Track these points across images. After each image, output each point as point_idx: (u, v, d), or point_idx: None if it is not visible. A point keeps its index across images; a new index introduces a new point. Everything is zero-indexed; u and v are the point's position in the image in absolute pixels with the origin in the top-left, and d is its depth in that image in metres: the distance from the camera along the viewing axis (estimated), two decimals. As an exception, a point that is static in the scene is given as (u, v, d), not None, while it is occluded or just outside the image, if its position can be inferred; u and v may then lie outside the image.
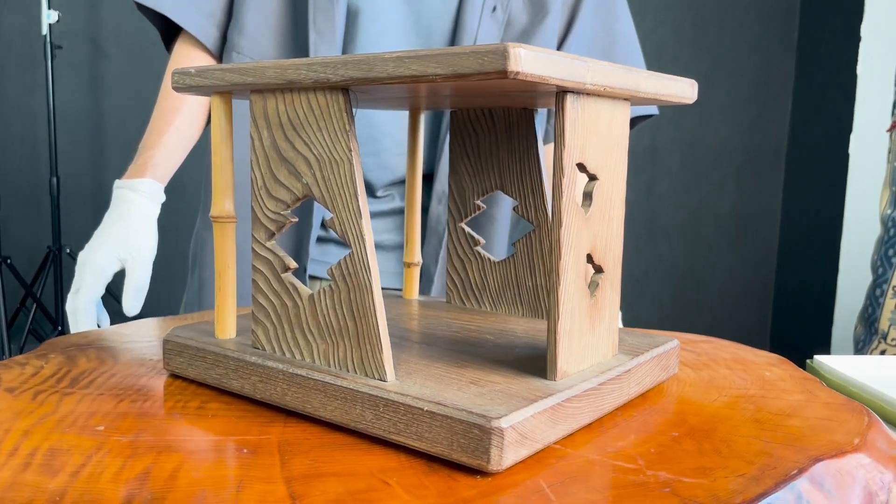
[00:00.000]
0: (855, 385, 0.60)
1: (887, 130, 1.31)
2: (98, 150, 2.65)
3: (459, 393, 0.38)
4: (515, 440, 0.35)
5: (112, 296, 0.78)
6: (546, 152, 0.95)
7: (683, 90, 0.46)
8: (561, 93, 0.38)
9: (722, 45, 2.90)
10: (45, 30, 2.31)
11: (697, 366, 0.55)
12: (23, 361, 0.52)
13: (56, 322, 2.42)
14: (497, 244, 0.90)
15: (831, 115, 2.67)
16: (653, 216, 2.97)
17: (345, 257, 0.40)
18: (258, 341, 0.45)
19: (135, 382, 0.48)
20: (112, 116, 2.64)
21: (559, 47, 0.91)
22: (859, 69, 2.48)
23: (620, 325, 0.58)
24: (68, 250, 2.41)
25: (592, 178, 0.42)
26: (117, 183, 0.82)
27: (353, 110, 0.41)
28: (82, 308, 0.73)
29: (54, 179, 2.38)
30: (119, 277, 0.79)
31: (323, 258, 0.88)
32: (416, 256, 0.62)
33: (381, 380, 0.39)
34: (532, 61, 0.33)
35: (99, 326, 0.75)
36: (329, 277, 0.42)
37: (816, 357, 0.65)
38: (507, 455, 0.35)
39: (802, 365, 0.64)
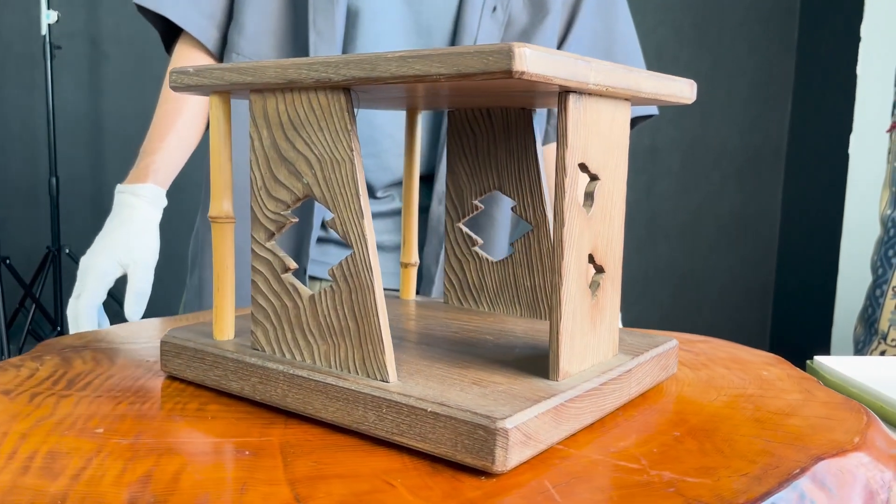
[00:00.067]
0: (855, 386, 0.60)
1: (887, 131, 1.32)
2: (97, 150, 2.64)
3: (462, 394, 0.38)
4: (520, 441, 0.35)
5: (112, 297, 0.78)
6: (545, 153, 0.95)
7: (683, 90, 0.46)
8: (563, 93, 0.38)
9: (722, 46, 2.90)
10: (44, 30, 2.30)
11: (695, 365, 0.55)
12: (17, 364, 0.51)
13: (55, 322, 2.41)
14: (497, 244, 0.90)
15: (831, 115, 2.67)
16: (653, 216, 2.97)
17: (346, 258, 0.40)
18: (257, 342, 0.45)
19: (132, 384, 0.48)
20: (111, 117, 2.63)
21: (559, 47, 0.91)
22: (859, 69, 2.49)
23: (620, 326, 0.58)
24: (67, 251, 2.41)
25: (594, 178, 0.42)
26: (119, 188, 0.82)
27: (355, 110, 0.40)
28: (84, 313, 0.73)
29: (53, 180, 2.37)
30: (121, 280, 0.79)
31: (323, 259, 0.87)
32: (413, 257, 0.62)
33: (383, 381, 0.39)
34: (537, 61, 0.33)
35: None
36: (329, 278, 0.41)
37: (817, 358, 0.66)
38: (511, 456, 0.34)
39: (802, 365, 0.64)
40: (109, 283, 0.76)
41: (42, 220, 2.56)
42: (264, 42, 0.85)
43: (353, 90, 0.40)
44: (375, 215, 0.90)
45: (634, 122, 0.96)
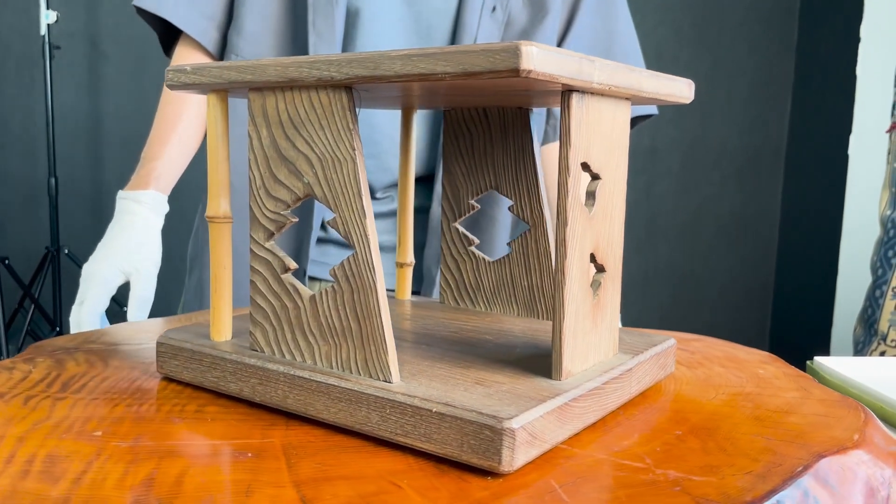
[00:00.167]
0: (855, 386, 0.60)
1: (887, 131, 1.33)
2: (97, 150, 2.62)
3: (466, 394, 0.37)
4: (526, 441, 0.35)
5: (114, 300, 0.78)
6: (544, 153, 0.95)
7: (681, 90, 0.46)
8: (566, 92, 0.38)
9: (721, 46, 2.91)
10: (43, 30, 2.29)
11: (692, 364, 0.55)
12: (9, 366, 0.51)
13: (54, 323, 2.39)
14: (498, 244, 0.90)
15: (831, 115, 2.68)
16: (652, 217, 2.97)
17: (348, 258, 0.40)
18: (256, 343, 0.45)
19: (128, 386, 0.47)
20: (111, 117, 2.61)
21: (558, 46, 0.91)
22: (859, 70, 2.49)
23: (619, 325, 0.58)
24: (67, 251, 2.39)
25: (595, 177, 0.42)
26: (121, 194, 0.82)
27: (357, 109, 0.40)
28: (86, 320, 0.73)
29: (53, 180, 2.36)
30: (123, 284, 0.79)
31: (322, 259, 0.87)
32: (409, 257, 0.62)
33: (386, 381, 0.39)
34: (544, 60, 0.33)
35: None
36: (329, 279, 0.41)
37: (816, 358, 0.66)
38: (518, 456, 0.34)
39: (802, 366, 0.65)
40: (112, 291, 0.77)
41: (41, 220, 2.55)
42: (263, 43, 0.84)
43: (354, 89, 0.40)
44: (375, 216, 0.89)
45: (634, 121, 0.96)
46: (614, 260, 0.45)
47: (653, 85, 0.43)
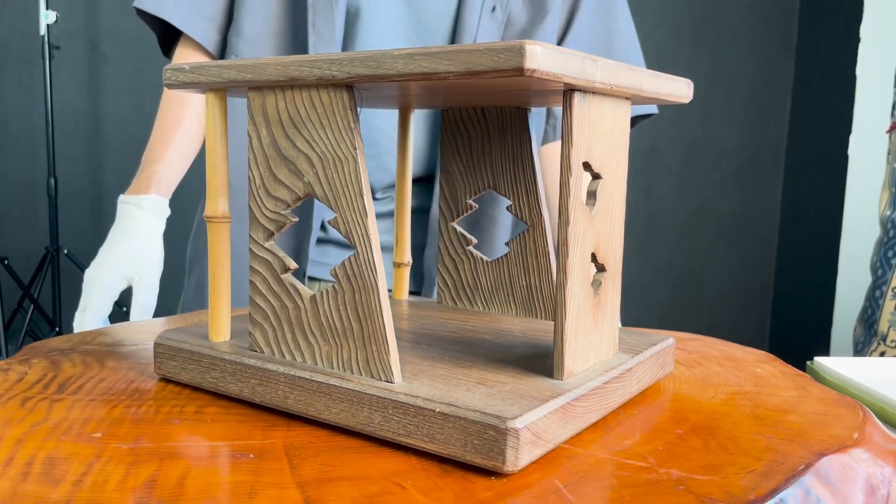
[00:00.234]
0: (855, 387, 0.61)
1: (887, 132, 1.33)
2: (96, 150, 2.61)
3: (469, 394, 0.37)
4: (530, 440, 0.35)
5: (115, 303, 0.78)
6: (543, 152, 0.95)
7: (681, 90, 0.46)
8: (568, 91, 0.38)
9: (721, 46, 2.91)
10: (42, 30, 2.28)
11: (689, 363, 0.55)
12: (5, 367, 0.50)
13: (53, 323, 2.39)
14: (498, 244, 0.89)
15: (831, 116, 2.68)
16: (652, 217, 2.97)
17: (349, 257, 0.40)
18: (256, 344, 0.44)
19: (126, 387, 0.47)
20: (110, 117, 2.60)
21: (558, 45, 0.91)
22: (858, 70, 2.49)
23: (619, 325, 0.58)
24: (66, 251, 2.39)
25: (596, 176, 0.42)
26: (121, 198, 0.82)
27: (358, 108, 0.40)
28: (90, 326, 0.74)
29: (52, 180, 2.35)
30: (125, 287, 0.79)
31: (322, 259, 0.87)
32: (406, 257, 0.62)
33: (388, 381, 0.39)
34: (547, 59, 0.33)
35: None
36: (329, 279, 0.41)
37: (817, 359, 0.66)
38: (522, 456, 0.34)
39: (802, 366, 0.65)
40: (114, 296, 0.77)
41: (41, 220, 2.54)
42: (263, 44, 0.84)
43: (356, 88, 0.40)
44: (375, 216, 0.89)
45: (635, 120, 0.96)
46: (615, 259, 0.45)
47: (653, 84, 0.43)
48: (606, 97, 0.41)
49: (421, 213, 0.89)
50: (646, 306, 2.99)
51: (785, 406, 0.46)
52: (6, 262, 2.35)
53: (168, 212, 0.83)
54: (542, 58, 0.33)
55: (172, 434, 0.39)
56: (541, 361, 0.44)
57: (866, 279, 1.36)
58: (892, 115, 1.36)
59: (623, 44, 0.93)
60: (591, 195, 0.42)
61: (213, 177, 0.46)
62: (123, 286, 0.78)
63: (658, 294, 3.00)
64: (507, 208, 0.56)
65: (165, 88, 0.88)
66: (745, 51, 2.92)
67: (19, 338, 2.29)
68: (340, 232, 0.40)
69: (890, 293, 1.25)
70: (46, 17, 2.26)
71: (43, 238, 2.48)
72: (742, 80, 2.94)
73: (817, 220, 2.76)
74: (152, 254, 0.79)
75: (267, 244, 0.43)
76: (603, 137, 0.42)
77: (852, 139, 2.53)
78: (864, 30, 2.48)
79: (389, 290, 0.81)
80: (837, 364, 0.65)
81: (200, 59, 0.89)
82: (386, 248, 0.90)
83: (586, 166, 0.41)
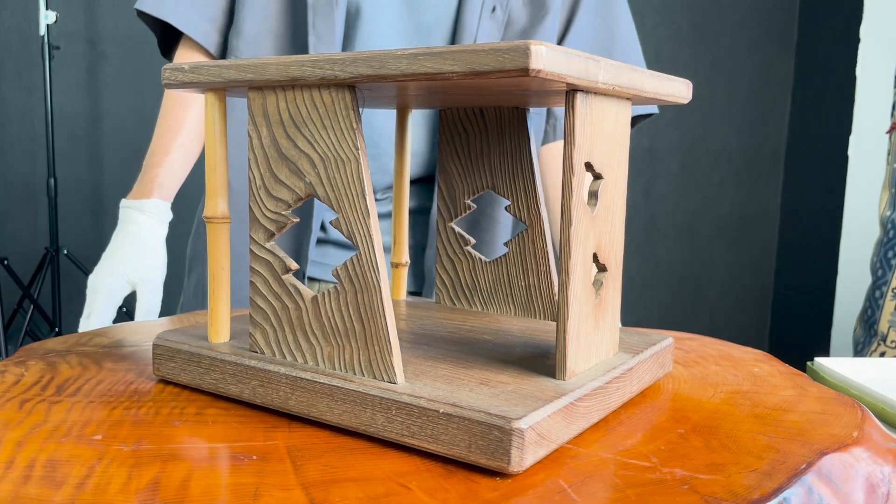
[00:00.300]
0: (855, 387, 0.61)
1: (887, 132, 1.33)
2: (96, 150, 2.59)
3: (472, 394, 0.37)
4: (534, 441, 0.35)
5: (120, 307, 0.78)
6: (543, 152, 0.95)
7: (680, 90, 0.47)
8: (571, 91, 0.38)
9: (721, 47, 2.90)
10: (42, 30, 2.27)
11: (687, 363, 0.56)
12: (1, 369, 0.50)
13: (53, 324, 2.38)
14: (499, 244, 0.89)
15: (830, 116, 2.67)
16: (652, 218, 2.97)
17: (351, 258, 0.40)
18: (256, 345, 0.44)
19: (124, 389, 0.46)
20: (110, 117, 2.59)
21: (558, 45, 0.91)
22: (858, 71, 2.49)
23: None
24: (66, 251, 2.38)
25: (598, 177, 0.42)
26: (124, 202, 0.82)
27: (360, 109, 0.40)
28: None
29: (52, 180, 2.34)
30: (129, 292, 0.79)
31: (322, 260, 0.86)
32: (404, 257, 0.61)
33: (390, 382, 0.39)
34: (552, 59, 0.33)
35: None
36: (330, 279, 0.41)
37: (817, 359, 0.66)
38: (527, 456, 0.34)
39: (802, 367, 0.65)
40: (118, 302, 0.77)
41: (40, 220, 2.53)
42: (263, 45, 0.84)
43: (358, 88, 0.40)
44: None
45: (635, 120, 0.96)
46: (615, 259, 0.45)
47: (654, 85, 0.43)
48: (608, 97, 0.41)
49: (421, 214, 0.89)
50: (646, 307, 2.99)
51: (784, 405, 0.46)
52: (6, 262, 2.34)
53: (170, 216, 0.83)
54: (548, 58, 0.33)
55: (174, 436, 0.39)
56: (542, 361, 0.44)
57: (866, 279, 1.36)
58: (893, 115, 1.37)
59: (623, 44, 0.93)
60: (593, 195, 0.42)
61: (213, 177, 0.46)
62: (127, 291, 0.78)
63: (658, 295, 3.01)
64: (506, 208, 0.56)
65: (166, 92, 0.88)
66: (745, 51, 2.92)
67: (19, 338, 2.28)
68: (343, 233, 0.40)
69: (890, 293, 1.25)
70: (46, 17, 2.25)
71: (43, 238, 2.47)
72: (742, 80, 2.94)
73: (817, 220, 2.76)
74: (156, 258, 0.79)
75: (268, 245, 0.43)
76: (604, 138, 0.42)
77: (852, 139, 2.53)
78: (864, 30, 2.47)
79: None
80: (837, 364, 0.65)
81: (202, 60, 0.89)
82: (386, 249, 0.90)
83: (588, 167, 0.41)
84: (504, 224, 0.89)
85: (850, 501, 0.37)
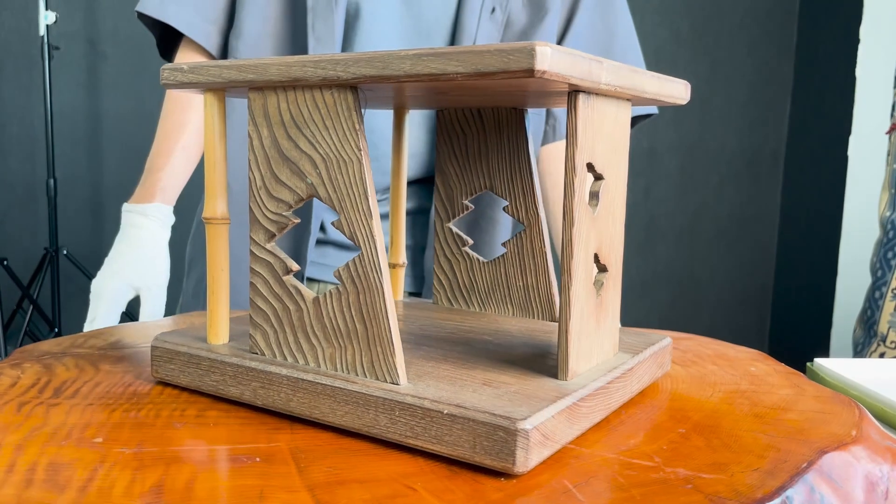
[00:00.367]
0: (855, 388, 0.61)
1: (886, 133, 1.34)
2: (95, 151, 2.58)
3: (476, 395, 0.37)
4: (539, 441, 0.35)
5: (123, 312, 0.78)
6: (543, 153, 0.95)
7: (679, 91, 0.47)
8: (573, 92, 0.38)
9: (720, 48, 2.89)
10: (42, 31, 2.25)
11: (685, 362, 0.56)
12: (-3, 371, 0.49)
13: (52, 324, 2.36)
14: (498, 245, 0.89)
15: (830, 117, 2.67)
16: (651, 219, 2.96)
17: (354, 259, 0.40)
18: (256, 346, 0.44)
19: (123, 391, 0.46)
20: (109, 117, 2.57)
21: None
22: (858, 71, 2.49)
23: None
24: (65, 252, 2.36)
25: (599, 177, 0.42)
26: (126, 207, 0.82)
27: (362, 109, 0.40)
28: None
29: (52, 181, 2.33)
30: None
31: (322, 261, 0.86)
32: (401, 258, 0.61)
33: (393, 383, 0.39)
34: (557, 60, 0.33)
35: None
36: (330, 280, 0.41)
37: (817, 360, 0.67)
38: (531, 456, 0.34)
39: (802, 367, 0.65)
40: (122, 307, 0.77)
41: (40, 220, 2.51)
42: (263, 46, 0.84)
43: (360, 89, 0.40)
44: None
45: (635, 121, 0.96)
46: (616, 260, 0.45)
47: (654, 86, 0.43)
48: (609, 98, 0.42)
49: (421, 215, 0.89)
50: (645, 307, 2.99)
51: (782, 404, 0.46)
52: (5, 262, 2.33)
53: (173, 219, 0.83)
54: (553, 59, 0.33)
55: (175, 438, 0.39)
56: (543, 362, 0.44)
57: (866, 280, 1.36)
58: (892, 116, 1.37)
59: (623, 44, 0.93)
60: (594, 196, 0.42)
61: (212, 178, 0.46)
62: (131, 296, 0.78)
63: (658, 295, 3.01)
64: (504, 209, 0.56)
65: (168, 94, 0.87)
66: (745, 52, 2.92)
67: (18, 338, 2.27)
68: (345, 234, 0.40)
69: (890, 294, 1.25)
70: (46, 17, 2.23)
71: (42, 238, 2.46)
72: (741, 81, 2.94)
73: (817, 221, 2.75)
74: (159, 263, 0.80)
75: (268, 245, 0.43)
76: (605, 138, 0.42)
77: (852, 140, 2.53)
78: (864, 31, 2.47)
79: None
80: (837, 365, 0.65)
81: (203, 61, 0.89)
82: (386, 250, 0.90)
83: (589, 167, 0.41)
84: (504, 225, 0.89)
85: (850, 499, 0.37)
